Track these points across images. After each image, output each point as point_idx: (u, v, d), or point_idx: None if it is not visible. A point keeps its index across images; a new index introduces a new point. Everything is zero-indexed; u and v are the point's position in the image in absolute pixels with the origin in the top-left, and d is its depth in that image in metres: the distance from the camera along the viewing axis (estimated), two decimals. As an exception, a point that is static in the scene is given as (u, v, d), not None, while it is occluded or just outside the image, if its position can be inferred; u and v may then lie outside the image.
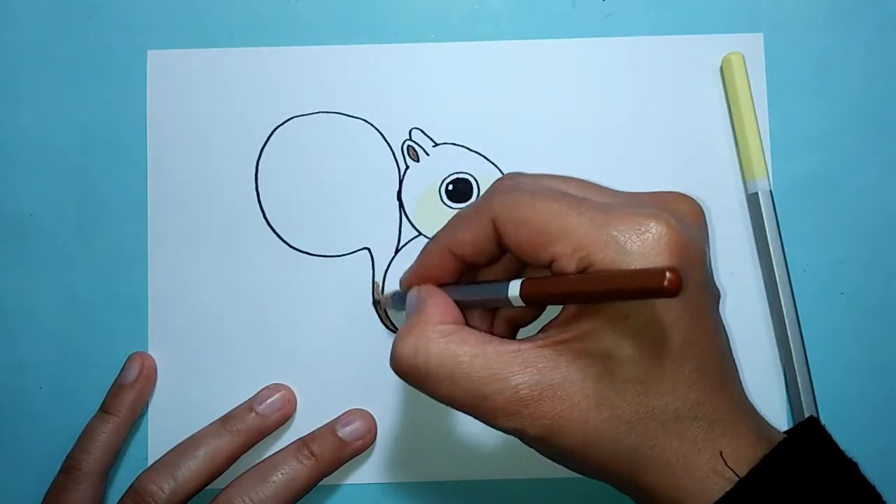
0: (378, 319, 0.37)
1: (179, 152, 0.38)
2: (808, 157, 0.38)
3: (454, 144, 0.38)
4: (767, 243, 0.36)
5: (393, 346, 0.27)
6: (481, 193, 0.37)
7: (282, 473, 0.34)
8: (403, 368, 0.26)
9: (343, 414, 0.37)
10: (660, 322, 0.24)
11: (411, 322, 0.27)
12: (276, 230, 0.38)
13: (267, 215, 0.38)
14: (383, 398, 0.37)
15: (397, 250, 0.38)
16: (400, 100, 0.38)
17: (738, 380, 0.26)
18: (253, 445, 0.36)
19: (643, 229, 0.24)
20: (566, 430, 0.24)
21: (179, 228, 0.37)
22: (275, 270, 0.37)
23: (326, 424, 0.36)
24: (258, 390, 0.37)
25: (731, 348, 0.27)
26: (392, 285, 0.37)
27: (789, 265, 0.36)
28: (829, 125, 0.38)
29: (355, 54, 0.38)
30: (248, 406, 0.36)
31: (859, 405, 0.37)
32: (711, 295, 0.26)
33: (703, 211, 0.27)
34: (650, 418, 0.24)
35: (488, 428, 0.37)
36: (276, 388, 0.37)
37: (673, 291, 0.21)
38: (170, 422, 0.37)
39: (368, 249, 0.38)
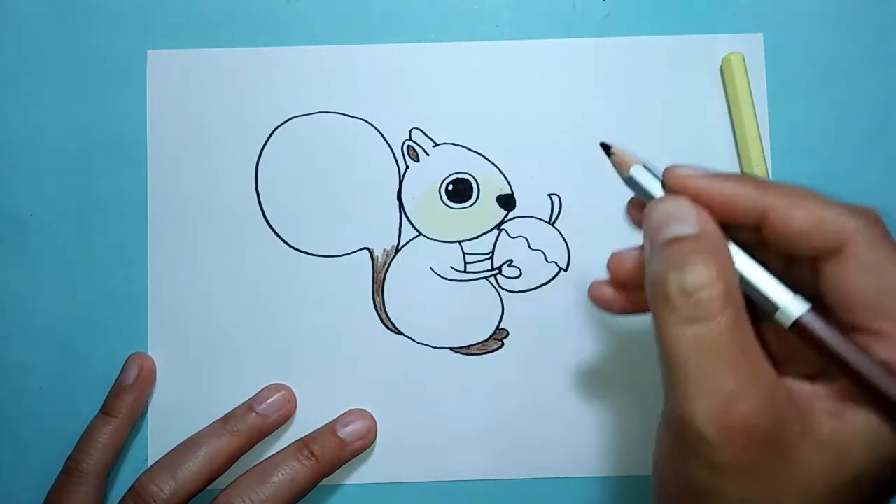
0: (378, 319, 0.37)
1: (179, 152, 0.38)
2: (808, 157, 0.38)
3: (454, 144, 0.38)
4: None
5: (678, 252, 0.23)
6: (481, 194, 0.37)
7: (282, 474, 0.34)
8: (685, 288, 0.23)
9: (343, 414, 0.37)
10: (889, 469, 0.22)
11: (713, 255, 0.23)
12: (276, 230, 0.38)
13: (267, 215, 0.38)
14: (383, 398, 0.37)
15: (397, 250, 0.38)
16: (400, 100, 0.38)
17: None
18: (253, 445, 0.36)
19: None
20: (751, 483, 0.22)
21: (179, 228, 0.37)
22: (275, 270, 0.37)
23: (327, 424, 0.36)
24: (258, 390, 0.37)
25: None
26: (392, 286, 0.37)
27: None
28: (829, 125, 0.38)
29: (355, 54, 0.38)
30: (249, 406, 0.36)
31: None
32: None
33: None
34: None
35: (488, 428, 0.37)
36: (277, 388, 0.37)
37: None
38: (170, 422, 0.37)
39: (368, 249, 0.38)
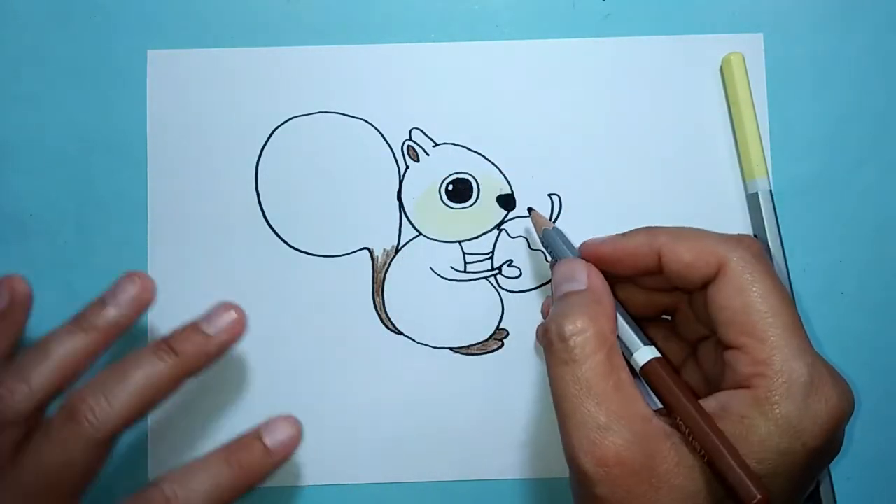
0: (378, 319, 0.37)
1: (179, 152, 0.38)
2: (808, 157, 0.38)
3: (454, 144, 0.38)
4: (767, 243, 0.36)
5: (563, 305, 0.28)
6: (481, 194, 0.37)
7: (139, 371, 0.30)
8: (562, 334, 0.26)
9: (209, 313, 0.33)
10: (795, 469, 0.25)
11: (589, 307, 0.27)
12: (276, 230, 0.38)
13: (267, 215, 0.38)
14: (383, 398, 0.37)
15: (397, 250, 0.38)
16: (400, 100, 0.38)
17: None
18: (111, 343, 0.32)
19: (830, 399, 0.25)
20: None
21: (179, 228, 0.37)
22: (275, 270, 0.37)
23: (189, 324, 0.33)
24: (257, 394, 0.37)
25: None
26: (392, 286, 0.37)
27: (789, 265, 0.36)
28: (829, 125, 0.38)
29: (355, 54, 0.38)
30: (101, 301, 0.32)
31: (859, 405, 0.37)
32: (838, 450, 0.27)
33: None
34: None
35: (488, 428, 0.37)
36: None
37: None
38: (169, 422, 0.37)
39: (368, 249, 0.38)
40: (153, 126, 0.38)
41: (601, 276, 0.29)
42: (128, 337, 0.37)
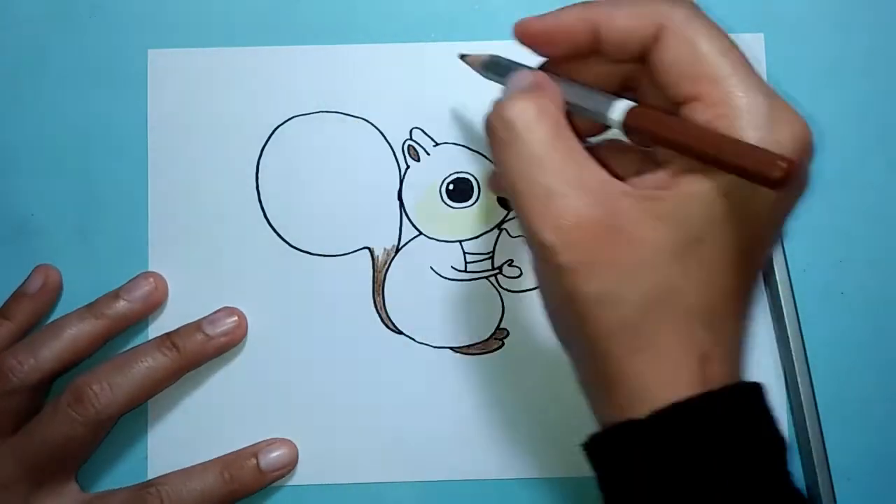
0: (378, 319, 0.37)
1: (180, 152, 0.38)
2: (808, 157, 0.38)
3: (455, 144, 0.38)
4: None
5: (501, 99, 0.27)
6: (482, 194, 0.37)
7: (143, 363, 0.34)
8: (500, 123, 0.26)
9: (213, 312, 0.37)
10: (738, 223, 0.24)
11: (530, 90, 0.27)
12: (277, 230, 0.38)
13: (267, 215, 0.38)
14: (383, 398, 0.37)
15: (397, 250, 0.38)
16: (400, 100, 0.38)
17: (749, 321, 0.26)
18: (119, 332, 0.36)
19: (793, 121, 0.24)
20: (599, 276, 0.24)
21: (179, 228, 0.37)
22: (275, 270, 0.37)
23: (194, 322, 0.36)
24: (257, 398, 0.37)
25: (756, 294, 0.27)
26: (392, 285, 0.37)
27: (789, 265, 0.36)
28: (829, 125, 0.38)
29: (355, 54, 0.38)
30: (115, 294, 0.36)
31: (859, 405, 0.37)
32: (780, 234, 0.27)
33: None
34: (677, 304, 0.24)
35: (488, 428, 0.37)
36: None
37: (778, 182, 0.20)
38: (169, 421, 0.37)
39: (368, 249, 0.38)
40: (153, 126, 0.38)
41: (546, 76, 0.28)
42: (128, 336, 0.37)
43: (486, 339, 0.37)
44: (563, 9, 0.28)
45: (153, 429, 0.37)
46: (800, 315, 0.36)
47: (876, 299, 0.37)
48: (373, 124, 0.38)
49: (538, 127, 0.25)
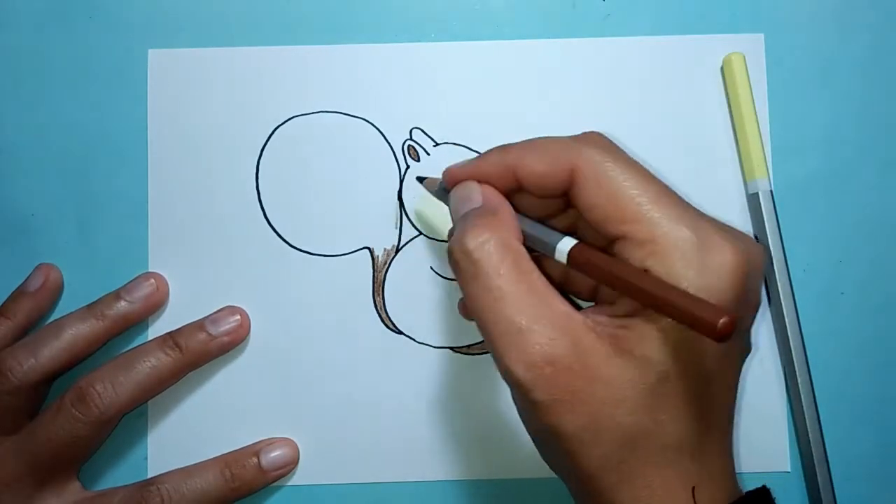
0: (378, 319, 0.37)
1: (180, 152, 0.38)
2: (808, 157, 0.38)
3: (455, 144, 0.38)
4: (768, 243, 0.36)
5: (461, 224, 0.26)
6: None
7: (146, 363, 0.34)
8: (462, 256, 0.25)
9: (215, 311, 0.37)
10: (699, 352, 0.24)
11: (487, 218, 0.26)
12: (277, 230, 0.38)
13: (267, 215, 0.38)
14: (383, 398, 0.37)
15: (397, 250, 0.38)
16: (400, 100, 0.38)
17: (733, 428, 0.27)
18: (119, 332, 0.36)
19: (723, 250, 0.24)
20: (575, 412, 0.24)
21: (179, 228, 0.37)
22: (275, 270, 0.37)
23: (196, 321, 0.36)
24: (256, 396, 0.37)
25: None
26: (392, 285, 0.37)
27: (789, 265, 0.36)
28: (829, 125, 0.38)
29: (355, 54, 0.38)
30: (116, 294, 0.36)
31: (859, 405, 0.37)
32: (746, 346, 0.27)
33: (763, 262, 0.27)
34: (654, 436, 0.24)
35: (489, 427, 0.37)
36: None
37: (721, 336, 0.20)
38: (169, 422, 0.37)
39: (369, 249, 0.38)
40: (153, 126, 0.38)
41: (495, 190, 0.28)
42: (128, 336, 0.37)
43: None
44: (483, 154, 0.29)
45: (153, 429, 0.37)
46: (800, 315, 0.36)
47: (876, 299, 0.37)
48: (373, 124, 0.38)
49: (500, 260, 0.25)
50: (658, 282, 0.23)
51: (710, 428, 0.25)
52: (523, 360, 0.24)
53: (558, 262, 0.29)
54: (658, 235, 0.24)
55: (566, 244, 0.25)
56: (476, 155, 0.37)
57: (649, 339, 0.24)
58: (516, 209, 0.28)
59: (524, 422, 0.27)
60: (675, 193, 0.25)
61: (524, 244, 0.27)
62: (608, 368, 0.24)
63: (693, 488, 0.24)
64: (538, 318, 0.24)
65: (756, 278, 0.25)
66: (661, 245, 0.24)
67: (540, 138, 0.27)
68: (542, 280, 0.25)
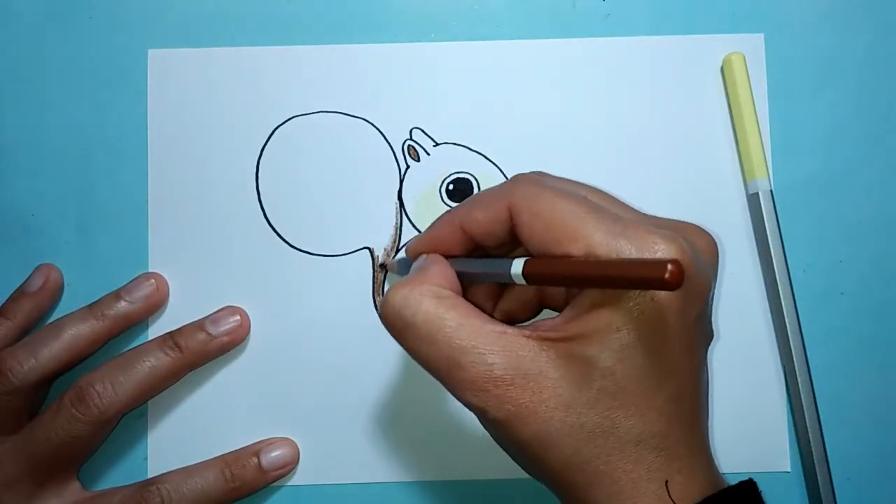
0: (378, 319, 0.37)
1: (180, 152, 0.38)
2: (808, 157, 0.38)
3: (455, 144, 0.38)
4: (768, 243, 0.36)
5: (386, 293, 0.28)
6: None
7: (146, 362, 0.35)
8: (389, 315, 0.27)
9: (214, 312, 0.37)
10: (648, 344, 0.25)
11: (410, 278, 0.28)
12: (277, 230, 0.38)
13: (267, 215, 0.38)
14: (383, 396, 0.37)
15: (397, 250, 0.38)
16: (400, 100, 0.38)
17: (706, 421, 0.27)
18: (120, 332, 0.36)
19: (656, 248, 0.24)
20: (528, 422, 0.25)
21: (179, 228, 0.37)
22: (275, 270, 0.37)
23: (195, 321, 0.36)
24: (256, 400, 0.37)
25: (708, 390, 0.27)
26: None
27: (789, 265, 0.36)
28: (829, 125, 0.38)
29: (355, 54, 0.38)
30: (116, 294, 0.36)
31: (859, 405, 0.37)
32: (705, 334, 0.27)
33: (717, 249, 0.27)
34: (612, 434, 0.24)
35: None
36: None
37: (673, 284, 0.21)
38: (169, 422, 0.37)
39: (369, 249, 0.38)
40: (153, 126, 0.38)
41: (435, 255, 0.30)
42: (128, 336, 0.37)
43: (486, 339, 0.37)
44: (435, 223, 0.30)
45: (153, 429, 0.37)
46: (800, 315, 0.36)
47: (876, 299, 0.37)
48: (373, 124, 0.38)
49: (421, 307, 0.26)
50: (601, 261, 0.24)
51: (672, 422, 0.25)
52: (469, 388, 0.25)
53: (511, 297, 0.31)
54: (593, 247, 0.25)
55: (518, 265, 0.26)
56: (483, 156, 0.37)
57: (588, 339, 0.25)
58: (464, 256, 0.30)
59: (493, 438, 0.28)
60: (608, 205, 0.26)
61: (479, 287, 0.29)
62: (553, 373, 0.25)
63: (666, 482, 0.24)
64: (472, 347, 0.25)
65: (705, 266, 0.26)
66: (597, 256, 0.25)
67: (479, 192, 0.29)
68: (469, 310, 0.26)
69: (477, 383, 0.25)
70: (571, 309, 0.26)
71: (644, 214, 0.27)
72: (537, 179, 0.27)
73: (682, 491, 0.25)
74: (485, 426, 0.27)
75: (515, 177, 0.28)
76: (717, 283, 0.27)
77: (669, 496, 0.24)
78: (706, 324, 0.27)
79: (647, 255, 0.24)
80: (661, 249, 0.24)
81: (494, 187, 0.28)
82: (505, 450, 0.27)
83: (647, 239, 0.24)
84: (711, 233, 0.27)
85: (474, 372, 0.25)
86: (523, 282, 0.26)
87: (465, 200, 0.29)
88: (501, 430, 0.25)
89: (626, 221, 0.25)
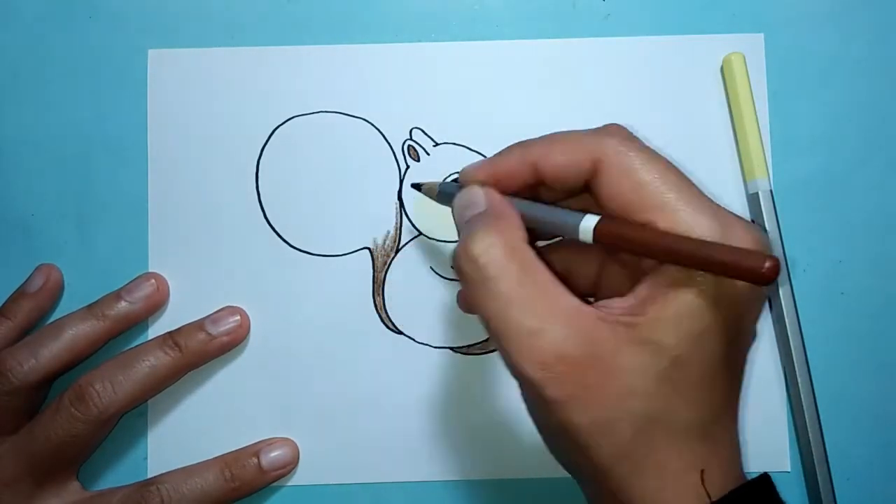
0: (378, 319, 0.37)
1: (180, 152, 0.38)
2: (808, 157, 0.38)
3: (454, 144, 0.38)
4: (768, 243, 0.36)
5: (465, 230, 0.26)
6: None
7: (145, 362, 0.34)
8: (467, 262, 0.25)
9: (214, 312, 0.37)
10: (723, 334, 0.24)
11: (491, 222, 0.26)
12: (277, 230, 0.38)
13: (267, 215, 0.38)
14: (384, 398, 0.37)
15: (397, 250, 0.38)
16: (400, 100, 0.38)
17: (738, 420, 0.27)
18: (120, 332, 0.36)
19: (745, 237, 0.24)
20: (588, 406, 0.24)
21: (179, 228, 0.37)
22: (275, 270, 0.37)
23: (195, 321, 0.36)
24: (256, 399, 0.37)
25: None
26: (392, 285, 0.37)
27: (789, 265, 0.36)
28: (829, 125, 0.38)
29: (355, 54, 0.38)
30: (117, 294, 0.36)
31: (859, 405, 0.37)
32: (755, 334, 0.27)
33: None
34: (666, 424, 0.24)
35: (489, 427, 0.37)
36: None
37: (768, 278, 0.20)
38: (169, 422, 0.37)
39: (369, 249, 0.38)
40: (153, 126, 0.38)
41: (498, 194, 0.28)
42: (128, 336, 0.37)
43: (486, 339, 0.37)
44: (503, 151, 0.28)
45: (153, 429, 0.37)
46: (800, 315, 0.36)
47: (876, 299, 0.37)
48: (373, 124, 0.38)
49: (507, 264, 0.25)
50: (697, 241, 0.23)
51: (718, 413, 0.25)
52: (536, 361, 0.24)
53: (560, 257, 0.29)
54: (680, 223, 0.24)
55: (590, 221, 0.25)
56: (482, 156, 0.37)
57: (663, 324, 0.24)
58: (528, 199, 0.28)
59: (535, 419, 0.27)
60: (695, 185, 0.26)
61: (536, 234, 0.27)
62: (621, 358, 0.24)
63: (702, 471, 0.24)
64: (548, 318, 0.24)
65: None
66: (683, 232, 0.24)
67: (560, 132, 0.27)
68: (550, 278, 0.25)
69: (545, 356, 0.24)
70: (646, 288, 0.25)
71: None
72: (630, 137, 0.26)
73: (716, 481, 0.24)
74: (531, 405, 0.26)
75: (606, 128, 0.27)
76: None
77: (704, 486, 0.24)
78: (754, 328, 0.27)
79: (734, 243, 0.23)
80: (748, 239, 0.24)
81: (579, 131, 0.27)
82: (546, 432, 0.26)
83: (736, 225, 0.24)
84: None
85: (545, 342, 0.24)
86: (590, 240, 0.25)
87: (543, 137, 0.28)
88: (555, 411, 0.24)
89: (713, 203, 0.25)
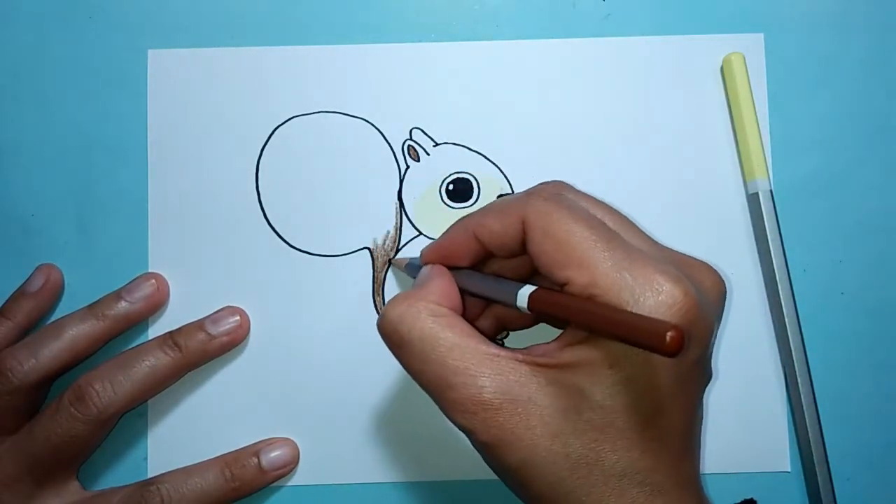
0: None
1: (180, 152, 0.38)
2: (808, 157, 0.38)
3: (454, 144, 0.38)
4: (767, 243, 0.36)
5: (385, 306, 0.28)
6: (482, 194, 0.38)
7: (145, 362, 0.35)
8: (386, 330, 0.27)
9: (215, 311, 0.37)
10: (640, 384, 0.24)
11: (409, 292, 0.28)
12: (277, 230, 0.38)
13: (267, 215, 0.38)
14: (384, 398, 0.37)
15: (397, 250, 0.38)
16: (400, 100, 0.38)
17: (698, 457, 0.27)
18: (120, 332, 0.36)
19: (660, 289, 0.24)
20: (514, 447, 0.25)
21: (179, 228, 0.37)
22: (275, 270, 0.37)
23: (195, 321, 0.36)
24: (256, 399, 0.37)
25: (701, 427, 0.27)
26: (392, 285, 0.37)
27: (789, 265, 0.36)
28: (829, 125, 0.38)
29: (355, 54, 0.38)
30: (117, 294, 0.36)
31: (859, 405, 0.37)
32: (703, 375, 0.27)
33: (725, 290, 0.27)
34: (597, 466, 0.24)
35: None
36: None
37: (670, 351, 0.20)
38: (169, 422, 0.37)
39: (369, 249, 0.38)
40: (153, 126, 0.38)
41: (440, 267, 0.30)
42: (128, 336, 0.37)
43: (486, 339, 0.37)
44: (447, 230, 0.31)
45: (153, 429, 0.37)
46: (800, 315, 0.36)
47: (876, 299, 0.37)
48: (373, 124, 0.38)
49: (416, 324, 0.26)
50: (603, 306, 0.24)
51: (659, 458, 0.25)
52: (460, 410, 0.25)
53: (502, 310, 0.31)
54: (598, 278, 0.24)
55: (524, 296, 0.26)
56: (482, 156, 0.37)
57: (584, 371, 0.25)
58: (475, 269, 0.30)
59: (482, 459, 0.28)
60: (616, 238, 0.26)
61: (487, 300, 0.29)
62: (542, 400, 0.25)
63: None
64: (463, 369, 0.25)
65: (708, 310, 0.25)
66: (600, 288, 0.24)
67: (495, 200, 0.29)
68: (465, 330, 0.27)
69: (466, 405, 0.25)
70: (567, 336, 0.26)
71: (658, 246, 0.27)
72: (555, 196, 0.27)
73: None
74: (474, 447, 0.27)
75: (534, 189, 0.28)
76: (721, 324, 0.27)
77: None
78: (704, 365, 0.26)
79: (650, 294, 0.24)
80: (664, 290, 0.24)
81: (511, 197, 0.28)
82: (493, 470, 0.27)
83: (653, 277, 0.24)
84: (722, 273, 0.27)
85: (464, 393, 0.25)
86: (527, 311, 0.26)
87: (481, 207, 0.30)
88: (488, 452, 0.26)
89: (635, 255, 0.25)
